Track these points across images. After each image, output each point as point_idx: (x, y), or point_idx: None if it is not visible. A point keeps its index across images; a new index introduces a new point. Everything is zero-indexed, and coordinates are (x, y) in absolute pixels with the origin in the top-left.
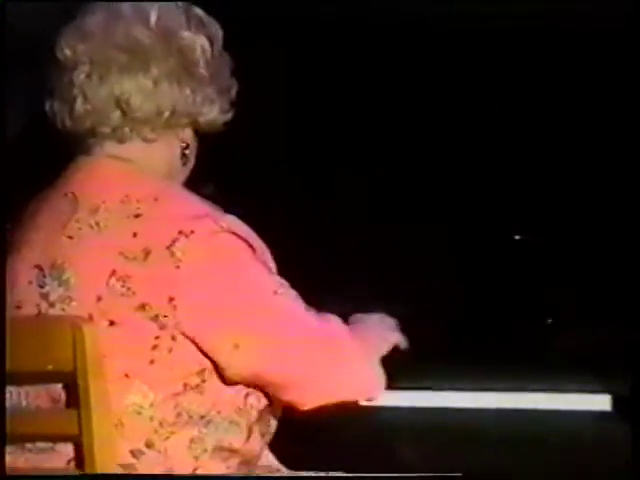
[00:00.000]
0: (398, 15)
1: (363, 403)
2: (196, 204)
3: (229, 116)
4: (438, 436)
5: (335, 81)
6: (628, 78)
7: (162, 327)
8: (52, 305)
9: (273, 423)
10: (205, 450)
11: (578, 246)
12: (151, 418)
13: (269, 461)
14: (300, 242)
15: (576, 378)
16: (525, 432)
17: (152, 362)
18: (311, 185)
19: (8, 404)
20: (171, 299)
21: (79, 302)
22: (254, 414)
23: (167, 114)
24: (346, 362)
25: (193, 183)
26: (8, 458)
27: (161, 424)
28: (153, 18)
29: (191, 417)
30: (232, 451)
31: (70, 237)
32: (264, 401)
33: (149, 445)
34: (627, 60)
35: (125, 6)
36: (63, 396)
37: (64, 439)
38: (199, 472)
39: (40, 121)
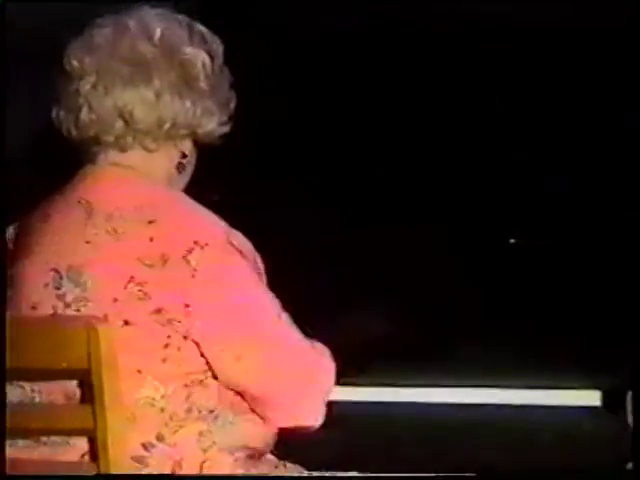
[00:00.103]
0: (398, 16)
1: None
2: (208, 215)
3: (227, 128)
4: (431, 432)
5: (330, 86)
6: (624, 84)
7: (174, 330)
8: (68, 306)
9: None
10: (213, 443)
11: (569, 245)
12: (162, 410)
13: (273, 456)
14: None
15: (566, 375)
16: (516, 427)
17: (164, 360)
18: (305, 188)
19: (22, 399)
20: (186, 305)
21: (95, 303)
22: None
23: (168, 125)
24: (322, 394)
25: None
26: (22, 452)
27: (171, 417)
28: (157, 33)
29: (200, 411)
30: (239, 445)
31: (88, 242)
32: None
33: (160, 438)
34: (626, 63)
35: (131, 21)
36: (76, 392)
37: (78, 433)
38: (207, 465)
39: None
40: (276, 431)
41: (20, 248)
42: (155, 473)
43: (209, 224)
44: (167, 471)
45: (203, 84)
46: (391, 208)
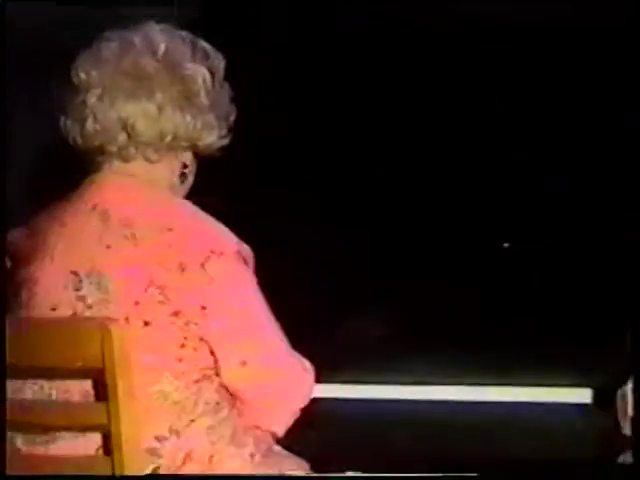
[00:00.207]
0: (398, 20)
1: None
2: (219, 225)
3: (226, 141)
4: (425, 429)
5: (331, 95)
6: (624, 84)
7: (191, 331)
8: (89, 307)
9: None
10: (221, 437)
11: (562, 245)
12: (175, 403)
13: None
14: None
15: (558, 373)
16: (508, 424)
17: (180, 359)
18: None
19: (40, 396)
20: (203, 308)
21: (116, 305)
22: None
23: (169, 138)
24: (298, 408)
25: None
26: (37, 447)
27: (183, 410)
28: (161, 49)
29: (207, 404)
30: (246, 438)
31: (108, 246)
32: None
33: (172, 431)
34: (626, 63)
35: (137, 37)
36: (90, 390)
37: (93, 430)
38: (216, 457)
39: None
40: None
41: (35, 252)
42: (167, 465)
43: (222, 234)
44: (179, 463)
45: (204, 99)
46: (389, 208)
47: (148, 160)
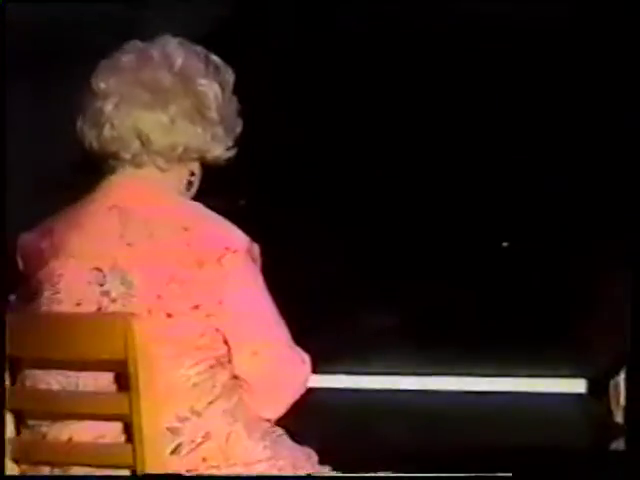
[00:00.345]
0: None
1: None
2: (231, 224)
3: (233, 153)
4: (418, 418)
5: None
6: (624, 84)
7: (209, 323)
8: (113, 301)
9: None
10: (237, 419)
11: (558, 240)
12: (194, 385)
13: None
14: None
15: (554, 364)
16: (506, 413)
17: (199, 348)
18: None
19: (65, 387)
20: (220, 302)
21: (140, 299)
22: None
23: (180, 150)
24: (292, 399)
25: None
26: (63, 432)
27: (202, 393)
28: (177, 64)
29: (223, 387)
30: (258, 422)
31: (129, 244)
32: None
33: (193, 412)
34: (626, 63)
35: (155, 51)
36: (112, 380)
37: (116, 418)
38: (232, 436)
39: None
40: None
41: (54, 252)
42: (187, 442)
43: (235, 233)
44: (198, 440)
45: (214, 113)
46: (388, 205)
47: (159, 168)
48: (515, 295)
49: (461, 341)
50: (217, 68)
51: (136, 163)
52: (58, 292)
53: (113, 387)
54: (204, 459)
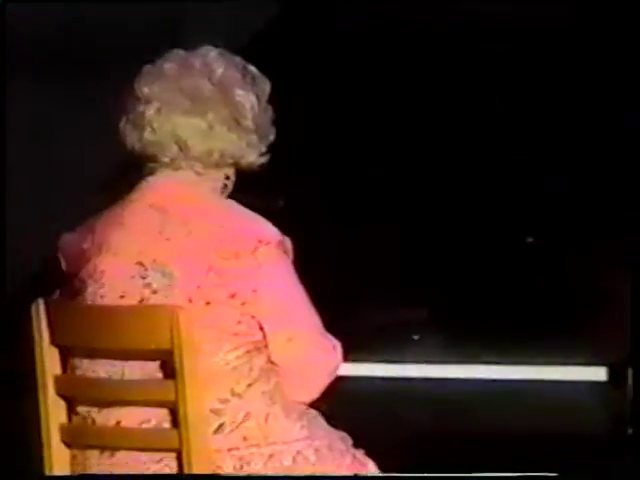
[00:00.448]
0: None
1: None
2: (263, 219)
3: (266, 159)
4: (441, 404)
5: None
6: (624, 84)
7: (245, 310)
8: (155, 292)
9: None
10: (275, 402)
11: (577, 233)
12: (234, 369)
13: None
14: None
15: (575, 352)
16: (530, 399)
17: (236, 334)
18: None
19: (112, 375)
20: (254, 290)
21: (180, 289)
22: None
23: (216, 156)
24: (325, 383)
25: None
26: (111, 416)
27: (241, 375)
28: (217, 74)
29: (260, 370)
30: (295, 404)
31: (168, 239)
32: None
33: (233, 394)
34: (626, 63)
35: (197, 60)
36: (157, 369)
37: (162, 405)
38: (271, 416)
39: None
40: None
41: (96, 249)
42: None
43: (267, 228)
44: (239, 421)
45: (249, 122)
46: (405, 203)
47: (196, 172)
48: (538, 287)
49: (488, 333)
50: (254, 78)
51: (174, 166)
52: (102, 287)
53: (157, 375)
54: (245, 438)
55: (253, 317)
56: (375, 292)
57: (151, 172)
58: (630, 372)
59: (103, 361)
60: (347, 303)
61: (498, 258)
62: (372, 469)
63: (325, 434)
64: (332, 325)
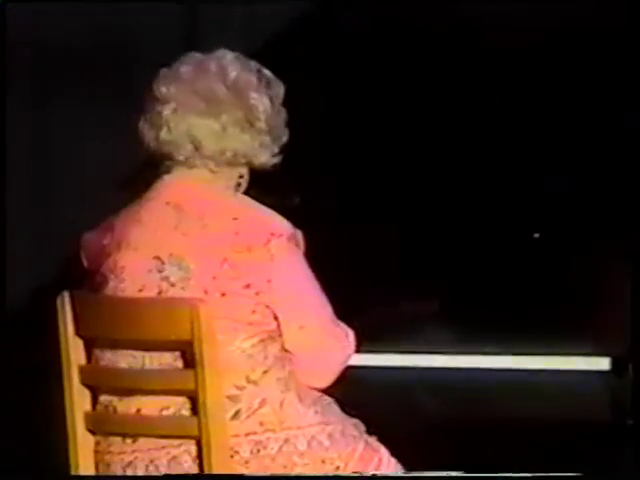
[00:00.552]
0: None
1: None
2: (275, 213)
3: (278, 159)
4: (449, 393)
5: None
6: (624, 84)
7: (260, 300)
8: (172, 285)
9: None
10: (289, 388)
11: (583, 227)
12: (249, 356)
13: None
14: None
15: (579, 343)
16: (535, 389)
17: (251, 323)
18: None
19: (133, 365)
20: (269, 280)
21: (196, 281)
22: None
23: (229, 155)
24: (338, 371)
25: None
26: (130, 405)
27: (256, 363)
28: (231, 77)
29: (275, 358)
30: (309, 391)
31: (184, 234)
32: None
33: (249, 381)
34: (626, 63)
35: (212, 63)
36: (177, 359)
37: (181, 393)
38: (286, 402)
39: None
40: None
41: (116, 245)
42: (245, 409)
43: (279, 221)
44: (255, 407)
45: (263, 124)
46: (412, 198)
47: (210, 170)
48: (545, 280)
49: (492, 324)
50: (268, 82)
51: (189, 165)
52: (122, 281)
53: (176, 364)
54: (261, 423)
55: (267, 307)
56: (388, 284)
57: (167, 170)
58: (630, 366)
59: (125, 352)
60: (360, 295)
61: (505, 254)
62: (384, 455)
63: (339, 420)
64: (346, 316)
